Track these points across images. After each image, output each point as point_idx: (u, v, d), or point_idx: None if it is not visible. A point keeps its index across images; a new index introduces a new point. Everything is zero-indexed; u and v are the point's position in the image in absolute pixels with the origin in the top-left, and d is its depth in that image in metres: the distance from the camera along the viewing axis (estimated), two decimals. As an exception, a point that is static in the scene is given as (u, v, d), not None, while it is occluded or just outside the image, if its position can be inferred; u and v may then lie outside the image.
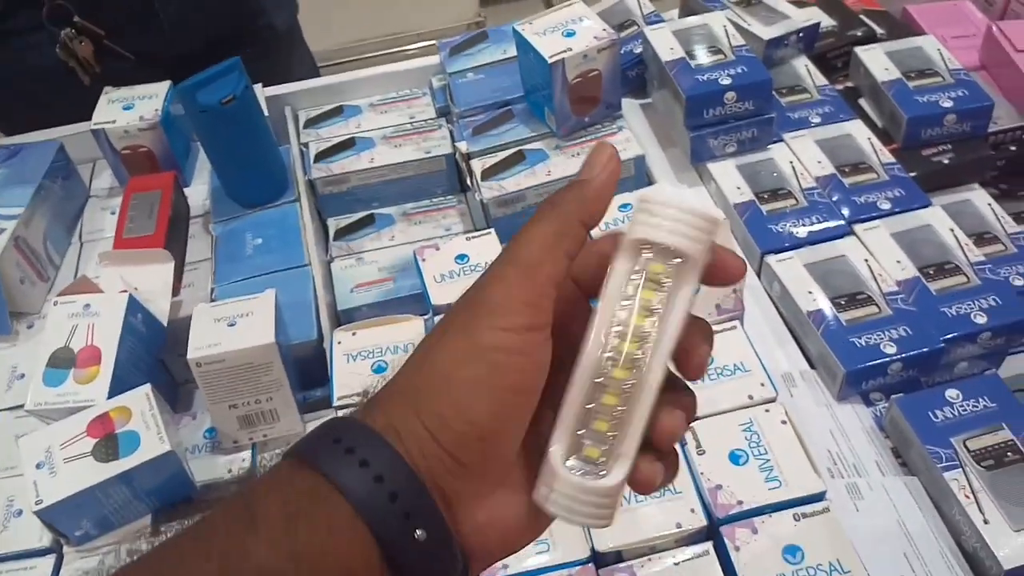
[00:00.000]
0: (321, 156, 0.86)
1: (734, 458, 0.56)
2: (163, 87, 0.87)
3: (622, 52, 0.86)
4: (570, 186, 0.31)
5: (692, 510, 0.54)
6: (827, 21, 0.92)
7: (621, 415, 0.30)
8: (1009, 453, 0.57)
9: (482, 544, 0.30)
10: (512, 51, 0.84)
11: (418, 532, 0.28)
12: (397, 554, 0.27)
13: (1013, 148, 0.82)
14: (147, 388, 0.62)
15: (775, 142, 0.80)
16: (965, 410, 0.59)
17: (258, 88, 0.90)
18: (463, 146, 0.81)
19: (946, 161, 0.79)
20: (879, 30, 0.93)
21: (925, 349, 0.63)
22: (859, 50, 0.86)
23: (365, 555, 0.27)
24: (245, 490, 0.29)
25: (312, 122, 0.91)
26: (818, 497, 0.55)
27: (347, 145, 0.87)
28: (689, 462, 0.57)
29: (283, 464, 0.29)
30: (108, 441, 0.59)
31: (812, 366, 0.67)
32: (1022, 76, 0.83)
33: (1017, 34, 0.87)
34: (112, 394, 0.62)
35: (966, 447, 0.58)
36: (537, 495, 0.30)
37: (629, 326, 0.30)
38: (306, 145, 0.88)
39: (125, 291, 0.68)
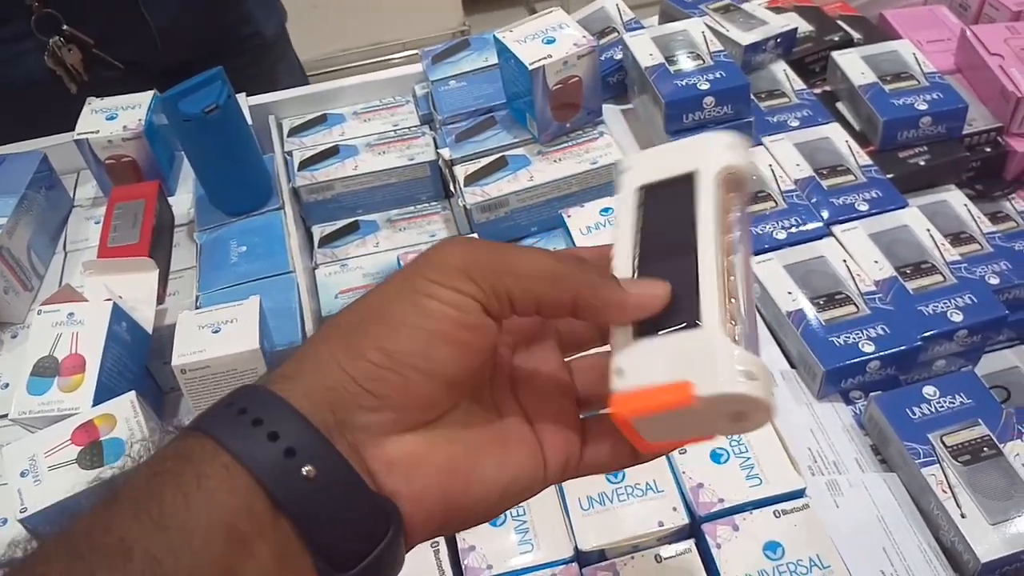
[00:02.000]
0: (305, 164, 0.87)
1: (715, 457, 0.57)
2: (146, 97, 0.87)
3: (603, 59, 0.87)
4: (604, 270, 0.31)
5: (674, 508, 0.55)
6: (804, 26, 0.94)
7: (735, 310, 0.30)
8: (985, 448, 0.58)
9: (406, 486, 0.29)
10: (494, 59, 0.85)
11: (305, 469, 0.26)
12: (284, 496, 0.25)
13: (988, 149, 0.84)
14: (132, 395, 0.62)
15: (754, 145, 0.81)
16: (942, 407, 0.60)
17: (242, 97, 0.90)
18: (446, 152, 0.81)
19: (922, 163, 0.80)
20: (856, 35, 0.95)
21: (903, 347, 0.64)
22: (836, 55, 0.87)
23: (247, 504, 0.25)
24: (116, 475, 0.28)
25: (296, 130, 0.92)
26: (798, 494, 0.55)
27: (331, 153, 0.88)
28: (671, 461, 0.57)
29: (163, 439, 0.28)
30: (93, 448, 0.59)
31: (792, 366, 0.67)
32: (996, 79, 0.84)
33: (990, 38, 0.88)
34: (97, 402, 0.63)
35: (943, 443, 0.58)
36: (714, 383, 0.27)
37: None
38: (290, 153, 0.89)
39: (109, 299, 0.68)
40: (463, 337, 0.29)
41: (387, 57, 2.22)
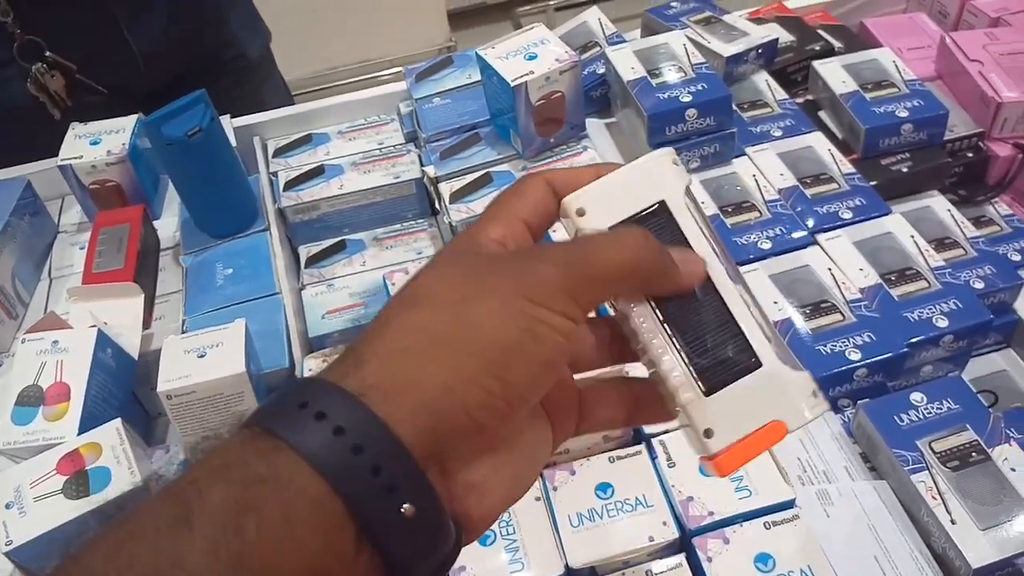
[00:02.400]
0: (290, 184, 0.87)
1: (704, 470, 0.57)
2: (130, 121, 0.87)
3: (585, 73, 0.88)
4: (662, 251, 0.31)
5: (664, 523, 0.55)
6: (785, 36, 0.94)
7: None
8: (974, 453, 0.58)
9: (477, 508, 0.28)
10: (477, 75, 0.85)
11: (404, 506, 0.24)
12: (379, 532, 0.24)
13: (970, 155, 0.84)
14: (117, 423, 0.62)
15: (738, 156, 0.81)
16: (930, 413, 0.60)
17: (225, 119, 0.90)
18: (431, 170, 0.81)
19: (905, 169, 0.80)
20: (837, 44, 0.95)
21: (889, 354, 0.64)
22: (817, 64, 0.88)
23: (337, 543, 0.23)
24: (182, 479, 0.24)
25: (281, 151, 0.92)
26: (788, 505, 0.55)
27: (316, 172, 0.88)
28: (660, 475, 0.57)
29: (235, 439, 0.25)
30: (78, 478, 0.58)
31: (780, 375, 0.67)
32: (975, 85, 0.85)
33: (969, 44, 0.89)
34: (82, 430, 0.62)
35: (932, 449, 0.58)
36: (800, 416, 0.31)
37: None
38: (275, 174, 0.89)
39: (94, 326, 0.68)
40: (562, 365, 0.29)
41: (375, 75, 2.23)
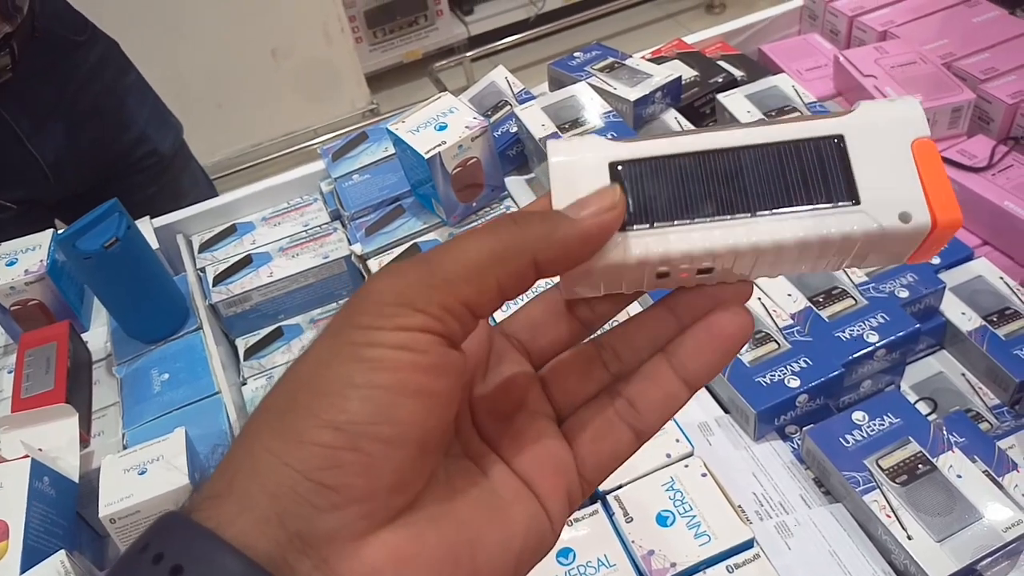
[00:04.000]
0: (219, 279, 0.86)
1: (661, 520, 0.57)
2: (45, 236, 0.85)
3: (500, 133, 0.89)
4: (545, 212, 0.26)
5: (629, 581, 0.54)
6: (688, 72, 0.97)
7: None
8: (920, 465, 0.59)
9: None
10: (392, 148, 0.86)
11: None
12: None
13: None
14: (61, 555, 0.59)
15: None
16: (873, 430, 0.61)
17: (144, 221, 0.89)
18: (357, 248, 0.81)
19: (819, 189, 0.82)
20: (738, 73, 0.98)
21: (826, 377, 0.65)
22: (721, 97, 0.90)
23: None
24: None
25: (206, 245, 0.91)
26: (747, 545, 0.55)
27: (244, 263, 0.87)
28: (619, 532, 0.57)
29: None
30: (24, 621, 0.56)
31: (726, 411, 0.68)
32: (872, 99, 0.88)
33: (862, 60, 0.92)
34: (24, 568, 0.60)
35: (879, 466, 0.59)
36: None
37: None
38: (203, 269, 0.88)
39: (27, 456, 0.66)
40: (428, 385, 0.23)
41: (303, 145, 2.23)
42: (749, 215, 0.26)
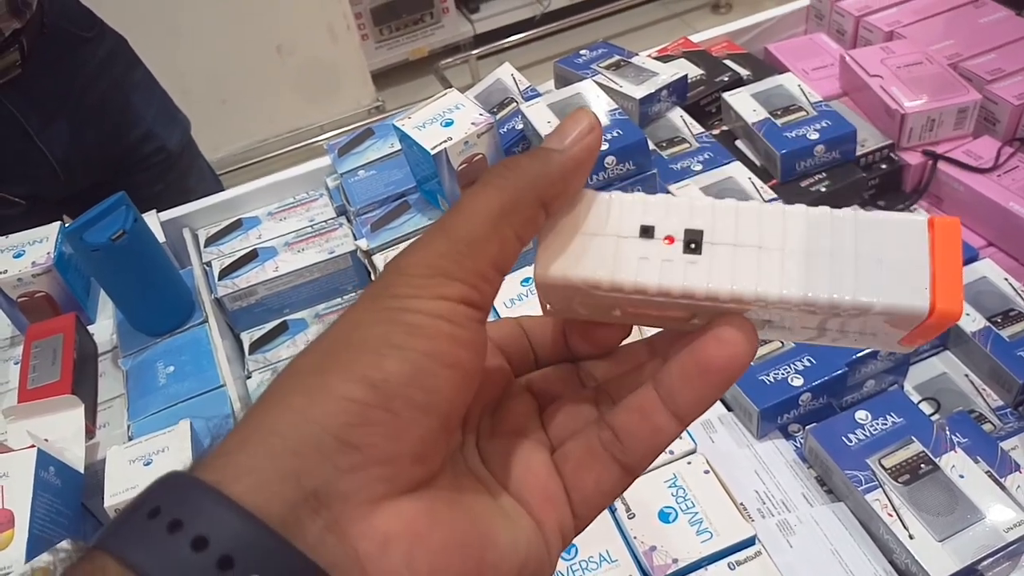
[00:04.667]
0: (225, 272, 0.86)
1: (664, 516, 0.57)
2: (53, 229, 0.86)
3: (505, 130, 0.89)
4: (532, 152, 0.25)
5: (631, 576, 0.55)
6: (694, 71, 0.97)
7: None
8: (922, 465, 0.59)
9: (413, 573, 0.22)
10: (399, 144, 0.86)
11: None
12: None
13: (883, 166, 0.87)
14: (66, 544, 0.60)
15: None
16: (876, 429, 0.62)
17: (151, 215, 0.89)
18: (363, 243, 0.81)
19: (823, 189, 0.83)
20: (744, 72, 0.98)
21: (830, 376, 0.65)
22: (727, 96, 0.90)
23: None
24: None
25: (213, 239, 0.91)
26: (749, 542, 0.56)
27: (250, 257, 0.87)
28: (621, 528, 0.57)
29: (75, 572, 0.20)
30: (29, 609, 0.56)
31: (729, 409, 0.68)
32: (879, 99, 0.88)
33: (868, 60, 0.92)
34: (30, 556, 0.60)
35: (882, 465, 0.59)
36: None
37: None
38: (209, 264, 0.88)
39: (33, 446, 0.66)
40: (461, 357, 0.23)
41: (308, 142, 2.23)
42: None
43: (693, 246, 0.24)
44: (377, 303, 0.23)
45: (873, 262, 0.24)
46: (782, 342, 0.68)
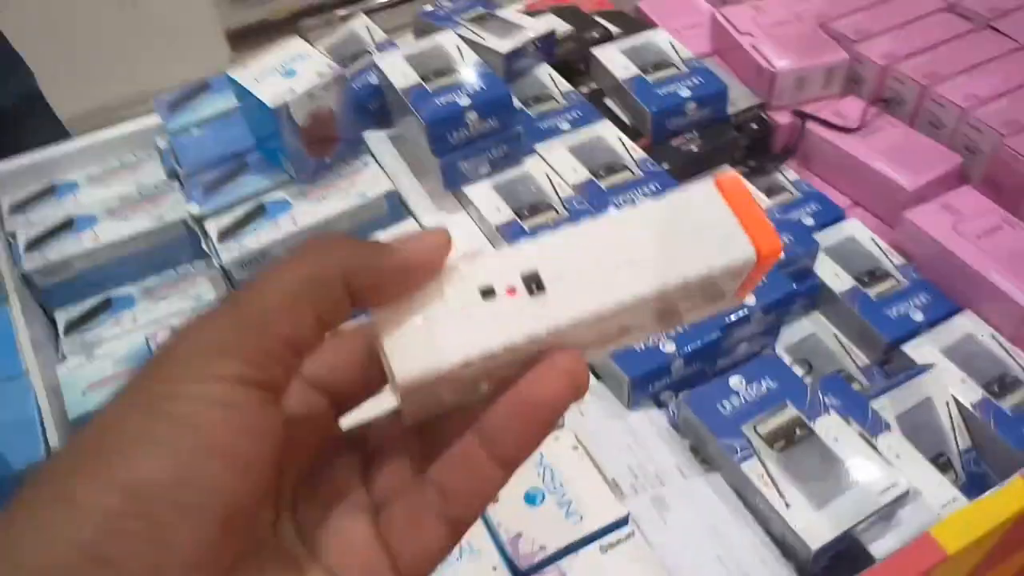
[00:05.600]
0: (34, 244, 0.75)
1: (530, 499, 0.52)
2: None
3: (359, 85, 0.81)
4: (363, 241, 0.23)
5: (494, 568, 0.49)
6: (563, 27, 0.92)
7: None
8: (797, 429, 0.56)
9: None
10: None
11: None
12: None
13: (754, 126, 0.85)
14: None
15: (529, 155, 0.77)
16: (750, 395, 0.59)
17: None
18: (193, 208, 0.72)
19: (695, 148, 0.79)
20: (615, 29, 0.94)
21: (702, 342, 0.62)
22: (596, 50, 0.86)
23: None
24: None
25: (18, 207, 0.79)
26: (622, 523, 0.51)
27: (64, 227, 0.76)
28: (484, 516, 0.52)
29: None
30: None
31: (599, 378, 0.64)
32: (750, 57, 0.86)
33: (739, 18, 0.90)
34: None
35: (757, 432, 0.56)
36: None
37: None
38: (13, 234, 0.76)
39: None
40: (242, 447, 0.20)
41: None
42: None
43: (535, 287, 0.24)
44: (139, 394, 0.20)
45: (693, 236, 0.25)
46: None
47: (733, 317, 0.63)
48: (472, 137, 0.73)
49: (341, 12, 2.27)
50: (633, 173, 0.75)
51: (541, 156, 0.77)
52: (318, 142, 0.71)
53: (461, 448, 0.24)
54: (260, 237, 0.69)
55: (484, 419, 0.23)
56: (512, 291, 0.24)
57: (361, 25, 0.88)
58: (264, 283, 0.21)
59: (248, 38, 2.34)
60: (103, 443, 0.19)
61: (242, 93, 0.70)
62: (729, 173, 0.26)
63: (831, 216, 0.76)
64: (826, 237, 0.73)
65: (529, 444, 0.23)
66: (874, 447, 0.56)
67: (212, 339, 0.20)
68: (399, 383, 0.23)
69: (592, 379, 0.63)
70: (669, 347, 0.61)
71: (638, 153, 0.77)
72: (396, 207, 0.74)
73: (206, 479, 0.19)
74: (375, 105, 0.82)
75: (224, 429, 0.20)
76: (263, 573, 0.22)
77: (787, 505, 0.53)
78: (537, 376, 0.23)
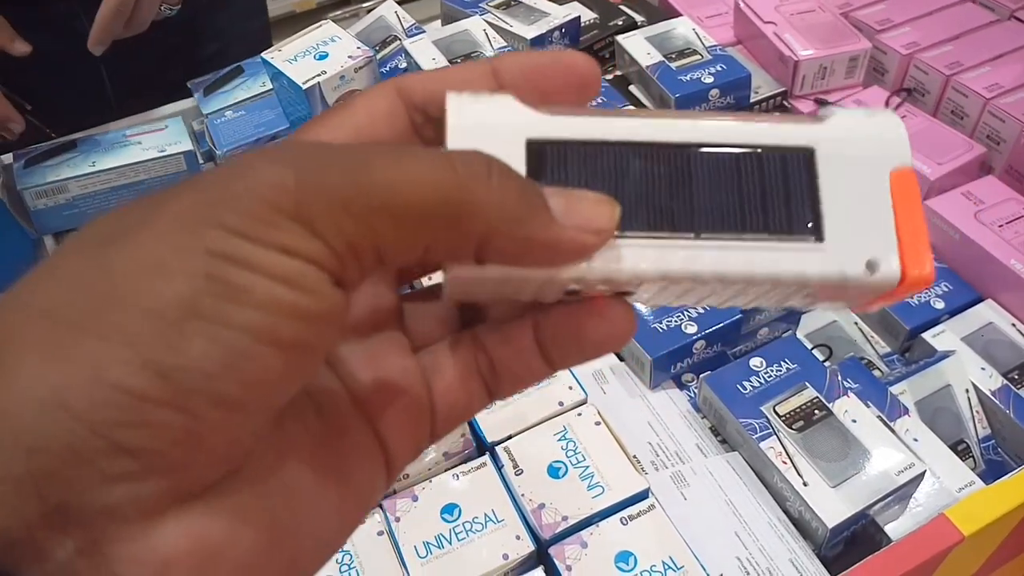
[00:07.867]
0: (32, 162, 0.76)
1: (553, 472, 0.53)
2: None
3: (387, 68, 0.83)
4: (526, 186, 0.19)
5: (517, 537, 0.51)
6: (588, 14, 0.93)
7: None
8: (816, 411, 0.57)
9: None
10: (270, 81, 0.79)
11: None
12: None
13: (776, 113, 0.86)
14: None
15: (554, 140, 0.78)
16: (770, 376, 0.60)
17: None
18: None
19: (718, 135, 0.80)
20: (639, 17, 0.95)
21: (723, 323, 0.63)
22: (620, 38, 0.87)
23: None
24: None
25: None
26: (642, 495, 0.53)
27: (65, 148, 0.76)
28: (508, 485, 0.53)
29: None
30: None
31: (621, 359, 0.65)
32: (773, 46, 0.86)
33: (762, 7, 0.90)
34: None
35: (776, 412, 0.58)
36: None
37: None
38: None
39: None
40: (299, 336, 0.16)
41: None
42: (692, 236, 0.20)
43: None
44: (194, 232, 0.15)
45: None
46: (676, 289, 0.65)
47: (754, 300, 0.64)
48: (499, 122, 0.74)
49: (367, 3, 2.29)
50: (657, 159, 0.76)
51: (566, 141, 0.78)
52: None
53: (518, 336, 0.22)
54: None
55: (544, 318, 0.22)
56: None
57: (390, 11, 0.90)
58: (398, 167, 0.17)
59: (276, 30, 2.36)
60: (136, 295, 0.15)
61: (276, 75, 0.72)
62: (908, 165, 0.21)
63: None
64: (847, 224, 0.74)
65: (578, 361, 0.22)
66: (892, 430, 0.57)
67: (301, 199, 0.16)
68: (450, 275, 0.20)
69: (614, 359, 0.64)
70: (691, 328, 0.62)
71: (662, 139, 0.78)
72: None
73: (260, 369, 0.16)
74: (403, 90, 0.83)
75: (289, 313, 0.16)
76: (282, 451, 0.18)
77: (804, 483, 0.54)
78: (600, 317, 0.21)
